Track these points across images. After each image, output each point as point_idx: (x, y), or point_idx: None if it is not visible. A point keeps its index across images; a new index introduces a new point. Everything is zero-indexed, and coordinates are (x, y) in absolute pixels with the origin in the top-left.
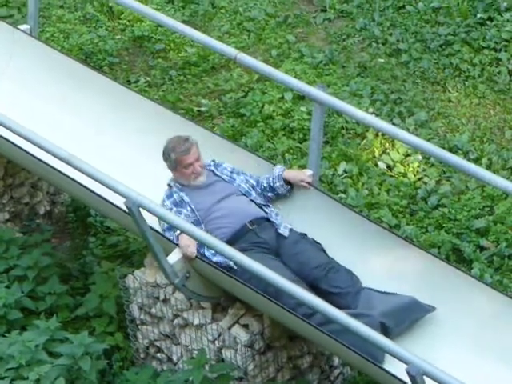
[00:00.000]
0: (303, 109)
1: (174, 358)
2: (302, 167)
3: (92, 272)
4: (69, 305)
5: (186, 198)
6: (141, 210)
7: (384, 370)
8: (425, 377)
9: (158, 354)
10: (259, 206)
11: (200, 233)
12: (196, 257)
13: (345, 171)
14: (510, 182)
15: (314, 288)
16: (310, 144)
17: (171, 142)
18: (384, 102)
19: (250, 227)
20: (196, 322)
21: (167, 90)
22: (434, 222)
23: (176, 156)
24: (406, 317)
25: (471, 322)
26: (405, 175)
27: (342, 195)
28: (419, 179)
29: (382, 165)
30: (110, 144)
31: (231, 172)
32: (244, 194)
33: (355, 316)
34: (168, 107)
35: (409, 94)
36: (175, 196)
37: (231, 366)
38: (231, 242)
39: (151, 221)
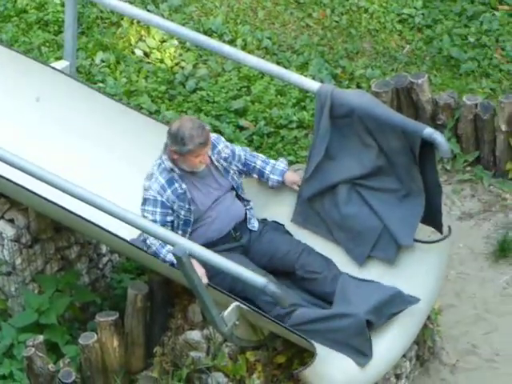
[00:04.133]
0: (57, 1)
1: None
2: (59, 59)
3: None
4: None
5: (189, 194)
6: None
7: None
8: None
9: None
10: (242, 200)
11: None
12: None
13: (102, 60)
14: (265, 61)
15: (290, 276)
16: (64, 35)
17: (186, 127)
18: None
19: (234, 235)
20: None
21: None
22: (194, 105)
23: (193, 147)
24: (389, 311)
25: None
26: (162, 61)
27: (101, 84)
28: (176, 64)
29: (138, 52)
30: None
31: (225, 160)
32: (233, 188)
33: (339, 317)
34: None
35: None
36: (177, 186)
37: None
38: (210, 245)
39: None
